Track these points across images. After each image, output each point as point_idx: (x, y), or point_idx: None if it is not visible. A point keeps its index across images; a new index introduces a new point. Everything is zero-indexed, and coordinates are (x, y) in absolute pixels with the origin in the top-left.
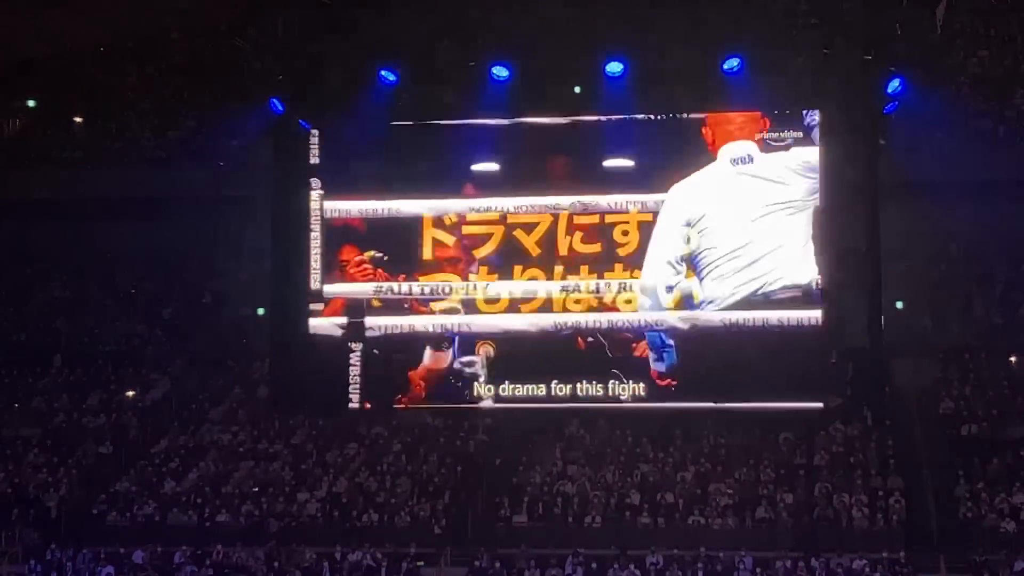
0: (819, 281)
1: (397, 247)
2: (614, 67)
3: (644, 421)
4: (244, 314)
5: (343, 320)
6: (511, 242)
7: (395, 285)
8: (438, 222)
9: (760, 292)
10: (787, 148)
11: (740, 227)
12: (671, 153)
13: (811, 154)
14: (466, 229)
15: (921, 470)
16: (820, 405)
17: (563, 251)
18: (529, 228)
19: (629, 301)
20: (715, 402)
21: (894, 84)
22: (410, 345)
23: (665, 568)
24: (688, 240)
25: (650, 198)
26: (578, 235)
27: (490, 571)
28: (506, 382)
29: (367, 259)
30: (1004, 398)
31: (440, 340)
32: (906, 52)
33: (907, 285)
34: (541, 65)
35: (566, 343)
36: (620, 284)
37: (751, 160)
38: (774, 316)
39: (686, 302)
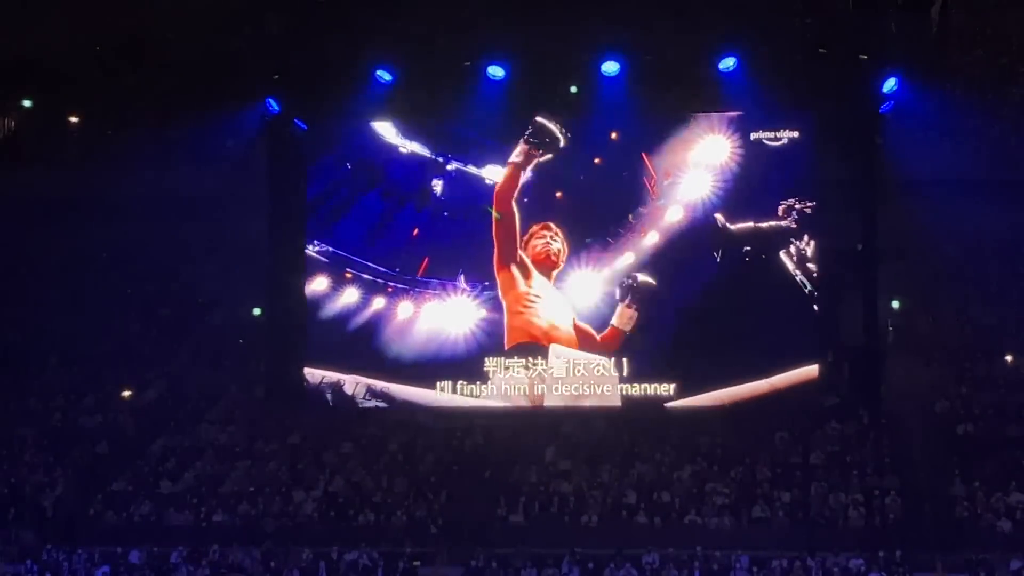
0: None
1: None
2: (610, 67)
3: (641, 420)
4: (240, 314)
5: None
6: None
7: None
8: None
9: None
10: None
11: None
12: None
13: None
14: None
15: (917, 469)
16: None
17: None
18: None
19: None
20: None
21: (890, 83)
22: None
23: (662, 567)
24: None
25: None
26: None
27: (487, 570)
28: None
29: None
30: (1000, 397)
31: None
32: (902, 51)
33: (903, 284)
34: (537, 64)
35: None
36: None
37: None
38: None
39: None
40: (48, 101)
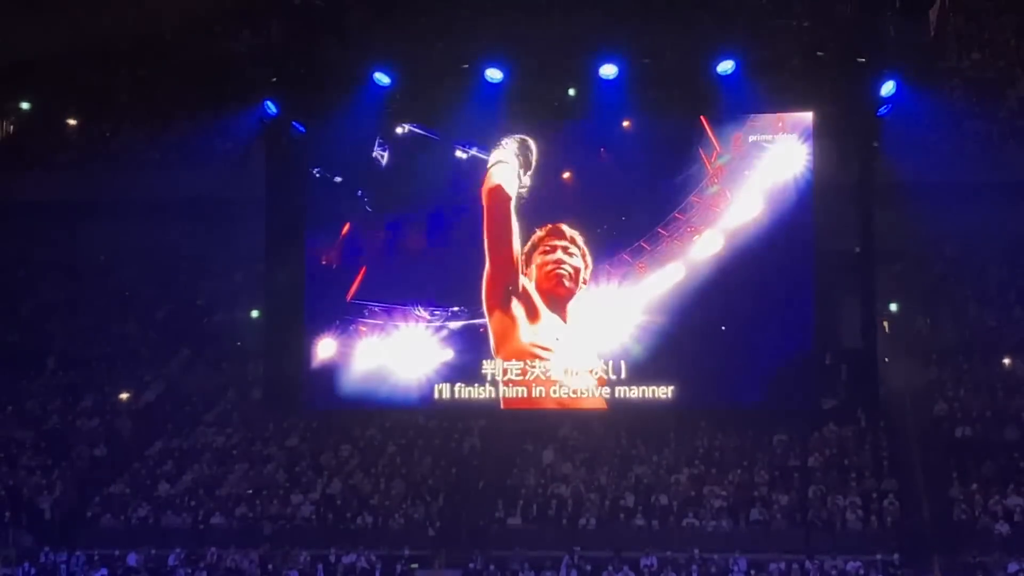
0: None
1: None
2: (608, 70)
3: (638, 422)
4: (238, 316)
5: None
6: None
7: None
8: None
9: None
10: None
11: None
12: None
13: None
14: None
15: (915, 472)
16: None
17: None
18: None
19: None
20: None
21: (888, 86)
22: None
23: (659, 570)
24: None
25: None
26: None
27: (484, 573)
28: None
29: None
30: (998, 400)
31: None
32: (899, 54)
33: (901, 287)
34: (535, 67)
35: None
36: None
37: None
38: None
39: None
40: (47, 103)
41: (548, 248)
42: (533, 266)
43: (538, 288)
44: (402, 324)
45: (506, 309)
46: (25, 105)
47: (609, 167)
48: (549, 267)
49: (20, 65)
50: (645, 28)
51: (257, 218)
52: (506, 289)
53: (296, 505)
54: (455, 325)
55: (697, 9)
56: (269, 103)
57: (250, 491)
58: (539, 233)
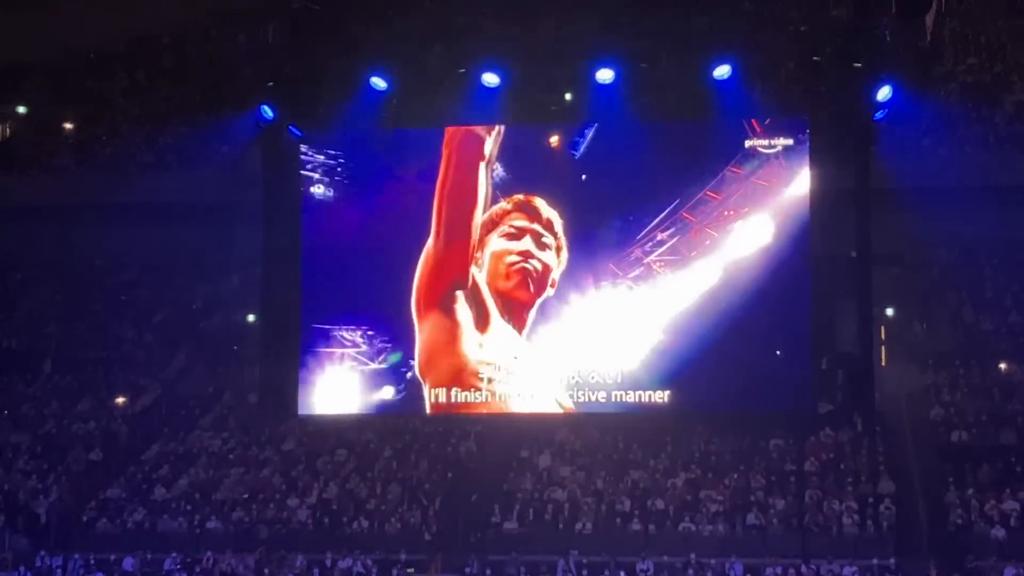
0: None
1: None
2: (604, 74)
3: (636, 426)
4: (235, 320)
5: None
6: None
7: None
8: None
9: None
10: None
11: None
12: None
13: None
14: None
15: (911, 476)
16: None
17: None
18: None
19: None
20: None
21: (884, 91)
22: None
23: (655, 574)
24: None
25: None
26: None
27: None
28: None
29: None
30: (994, 404)
31: None
32: (896, 60)
33: (897, 291)
34: (532, 72)
35: None
36: None
37: None
38: None
39: None
40: (43, 106)
41: (513, 231)
42: (487, 252)
43: (490, 285)
44: (337, 350)
45: (447, 310)
46: (21, 108)
47: (606, 140)
48: (511, 259)
49: (16, 68)
50: (641, 33)
51: (254, 222)
52: (452, 283)
53: (292, 509)
54: (393, 358)
55: (694, 14)
56: (266, 107)
57: (246, 495)
58: (503, 205)
